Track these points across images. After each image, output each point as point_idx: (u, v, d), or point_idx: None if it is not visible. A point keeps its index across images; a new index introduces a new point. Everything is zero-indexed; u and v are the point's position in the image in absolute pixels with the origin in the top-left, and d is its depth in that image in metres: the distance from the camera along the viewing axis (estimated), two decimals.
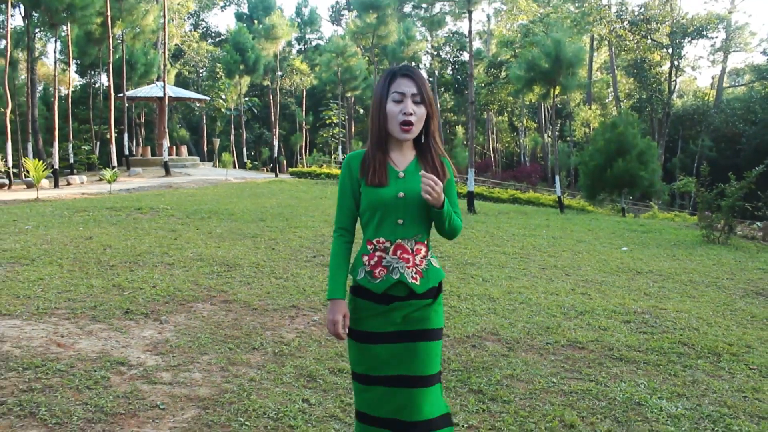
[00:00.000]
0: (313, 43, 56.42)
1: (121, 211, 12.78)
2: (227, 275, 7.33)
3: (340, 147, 40.09)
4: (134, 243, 9.07)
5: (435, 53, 55.59)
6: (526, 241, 11.35)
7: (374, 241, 2.49)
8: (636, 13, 40.93)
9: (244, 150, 37.86)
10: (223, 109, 39.56)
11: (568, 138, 46.56)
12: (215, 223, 11.47)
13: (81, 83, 40.70)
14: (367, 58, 41.45)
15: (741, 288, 8.40)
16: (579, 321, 6.14)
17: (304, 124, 47.47)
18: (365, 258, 2.51)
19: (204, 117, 44.50)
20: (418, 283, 2.47)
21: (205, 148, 43.91)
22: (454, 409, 3.91)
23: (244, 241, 9.79)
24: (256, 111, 45.73)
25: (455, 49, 56.74)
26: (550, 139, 43.40)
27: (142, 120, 39.25)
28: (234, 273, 7.45)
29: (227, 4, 56.86)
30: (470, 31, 19.56)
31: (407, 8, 52.24)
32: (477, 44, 57.17)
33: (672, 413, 4.04)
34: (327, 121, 45.10)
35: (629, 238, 12.97)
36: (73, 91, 28.57)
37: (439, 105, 54.43)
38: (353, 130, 47.28)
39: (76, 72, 38.63)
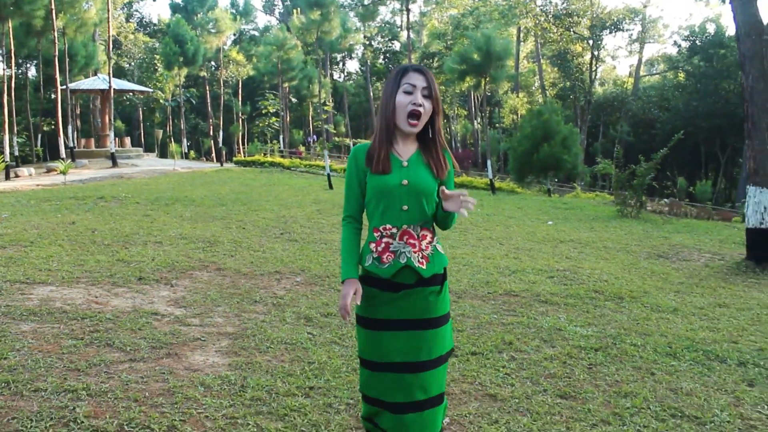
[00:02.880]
0: (248, 34, 56.87)
1: (86, 200, 13.51)
2: (212, 250, 8.42)
3: (280, 136, 40.88)
4: (116, 226, 10.00)
5: (367, 43, 56.77)
6: (463, 218, 12.75)
7: (381, 228, 2.61)
8: (559, 7, 43.22)
9: (184, 140, 38.29)
10: (161, 100, 39.83)
11: (497, 125, 48.58)
12: (181, 209, 12.42)
13: (7, 74, 40.08)
14: (301, 48, 42.27)
15: (645, 252, 10.01)
16: (512, 277, 7.53)
17: (240, 114, 48.00)
18: (372, 245, 2.63)
19: (140, 108, 44.52)
20: (424, 267, 2.60)
21: (143, 139, 43.96)
22: None
23: (215, 222, 10.84)
24: (193, 102, 46.04)
25: (387, 39, 58.13)
26: (480, 125, 45.27)
27: (78, 112, 39.07)
28: (217, 248, 8.54)
29: None
30: (408, 28, 20.86)
31: None
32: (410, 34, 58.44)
33: (583, 334, 5.42)
34: (263, 111, 45.74)
35: (554, 214, 14.60)
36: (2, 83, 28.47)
37: (371, 94, 55.76)
38: (289, 119, 48.04)
39: (5, 64, 38.16)
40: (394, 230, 2.59)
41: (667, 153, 14.96)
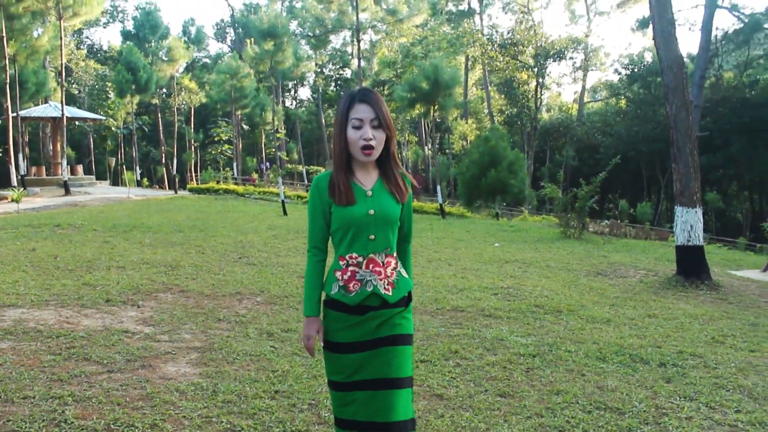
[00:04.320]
0: (201, 61, 57.14)
1: (42, 228, 13.63)
2: (174, 273, 8.76)
3: (234, 163, 41.11)
4: (78, 252, 10.24)
5: (319, 71, 57.59)
6: (414, 242, 13.27)
7: (347, 256, 2.60)
8: (504, 37, 44.71)
9: (137, 168, 38.23)
10: (113, 128, 39.72)
11: (447, 150, 49.57)
12: (140, 235, 12.67)
13: None
14: (254, 76, 42.77)
15: (585, 270, 10.69)
16: (459, 295, 8.07)
17: (193, 142, 48.05)
18: (338, 273, 2.61)
19: (91, 136, 44.23)
20: (390, 293, 2.61)
21: (93, 167, 43.60)
22: None
23: (174, 248, 11.14)
24: (146, 129, 45.95)
25: (338, 67, 59.07)
26: (430, 152, 46.25)
27: (26, 140, 38.65)
28: (179, 272, 8.89)
29: (110, 21, 56.55)
30: (359, 56, 21.53)
31: (292, 26, 53.94)
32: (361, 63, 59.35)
33: (523, 343, 5.96)
34: (216, 138, 45.95)
35: (501, 236, 15.28)
36: None
37: (323, 121, 56.41)
38: (241, 146, 48.29)
39: None
40: (360, 259, 2.58)
41: (606, 176, 15.82)
